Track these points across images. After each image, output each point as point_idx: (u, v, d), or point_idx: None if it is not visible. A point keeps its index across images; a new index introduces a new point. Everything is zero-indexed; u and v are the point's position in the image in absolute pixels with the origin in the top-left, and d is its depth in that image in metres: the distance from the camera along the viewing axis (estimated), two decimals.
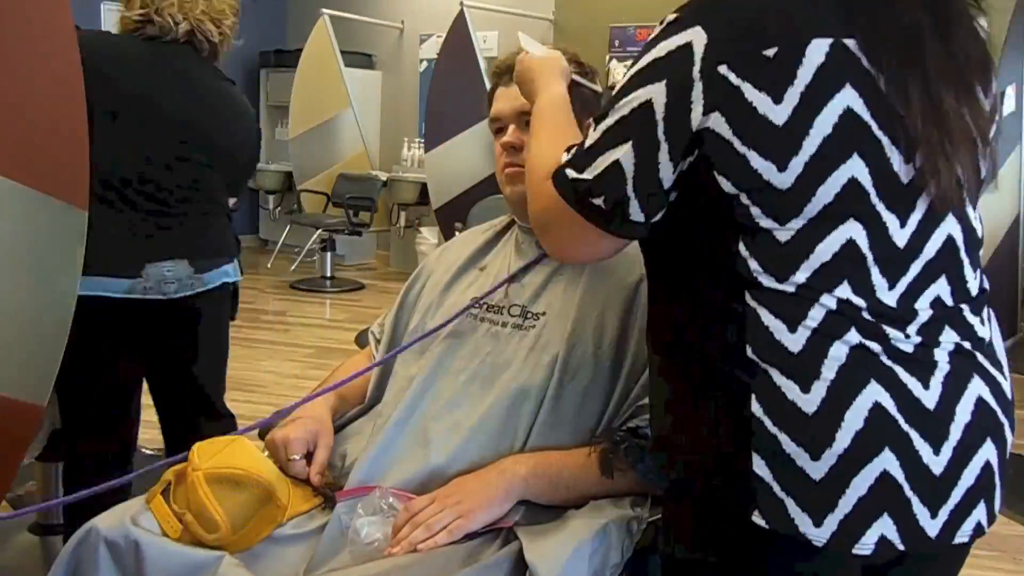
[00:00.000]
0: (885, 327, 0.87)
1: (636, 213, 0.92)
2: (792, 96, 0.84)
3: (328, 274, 6.56)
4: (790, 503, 0.85)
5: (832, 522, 0.84)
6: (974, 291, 0.93)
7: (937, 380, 0.87)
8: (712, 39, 0.85)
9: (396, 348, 1.39)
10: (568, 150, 0.98)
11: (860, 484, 0.84)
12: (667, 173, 0.90)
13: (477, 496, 1.16)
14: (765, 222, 0.87)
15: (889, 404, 0.85)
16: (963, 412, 0.87)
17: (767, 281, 0.87)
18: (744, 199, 0.87)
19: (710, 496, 0.91)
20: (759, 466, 0.85)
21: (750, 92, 0.84)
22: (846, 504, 0.84)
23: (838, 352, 0.85)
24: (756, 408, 0.86)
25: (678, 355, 0.96)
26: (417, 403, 1.28)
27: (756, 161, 0.85)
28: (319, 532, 1.18)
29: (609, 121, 0.92)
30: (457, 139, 5.60)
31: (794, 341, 0.86)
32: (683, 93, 0.86)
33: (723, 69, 0.85)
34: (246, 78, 8.10)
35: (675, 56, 0.87)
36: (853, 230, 0.86)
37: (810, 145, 0.84)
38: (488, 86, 1.41)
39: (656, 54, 0.89)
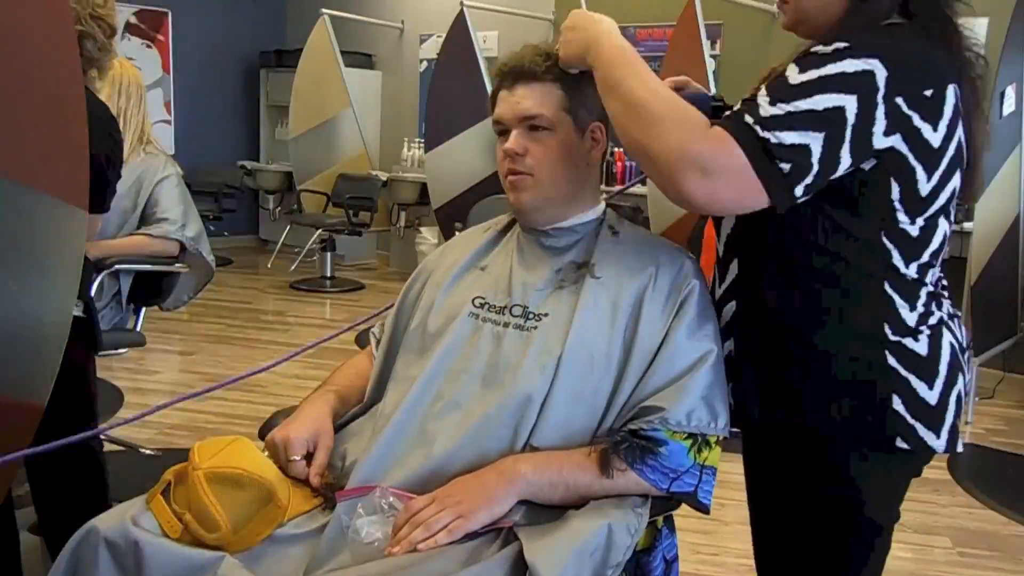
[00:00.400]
0: (944, 298, 1.22)
1: (800, 191, 1.07)
2: (942, 126, 1.10)
3: (328, 274, 6.57)
4: (919, 426, 1.17)
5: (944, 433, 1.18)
6: None
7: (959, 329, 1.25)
8: (890, 74, 1.05)
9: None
10: (746, 105, 1.07)
11: (954, 402, 1.19)
12: (841, 169, 1.08)
13: (477, 496, 1.16)
14: (903, 219, 1.14)
15: (955, 344, 1.20)
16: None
17: (902, 267, 1.16)
18: (897, 204, 1.12)
19: (864, 427, 1.17)
20: (897, 403, 1.16)
21: (917, 120, 1.08)
22: (950, 417, 1.19)
23: (936, 319, 1.19)
24: (893, 362, 1.16)
25: (832, 325, 1.18)
26: (418, 403, 1.28)
27: (920, 172, 1.11)
28: (319, 532, 1.18)
29: (801, 105, 1.05)
30: (457, 139, 5.59)
31: (911, 315, 1.17)
32: (870, 110, 1.06)
33: (899, 100, 1.06)
34: (246, 78, 8.12)
35: (861, 77, 1.05)
36: (945, 226, 1.18)
37: (945, 163, 1.12)
38: (488, 86, 1.42)
39: (843, 68, 1.05)
